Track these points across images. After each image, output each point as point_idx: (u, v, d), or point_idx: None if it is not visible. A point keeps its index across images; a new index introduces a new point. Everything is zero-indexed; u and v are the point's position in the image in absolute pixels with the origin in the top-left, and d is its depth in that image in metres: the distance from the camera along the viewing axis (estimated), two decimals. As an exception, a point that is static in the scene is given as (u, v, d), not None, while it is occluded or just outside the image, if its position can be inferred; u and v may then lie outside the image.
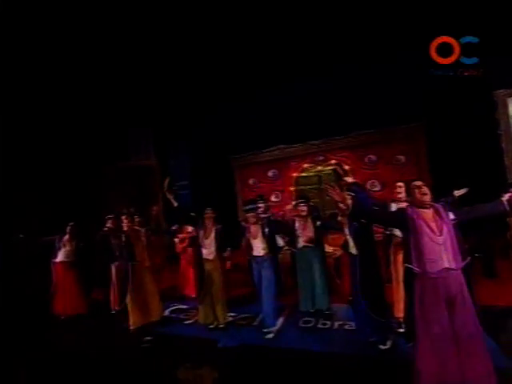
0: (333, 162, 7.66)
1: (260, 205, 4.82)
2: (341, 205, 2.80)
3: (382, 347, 3.00)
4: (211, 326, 3.93)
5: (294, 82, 7.31)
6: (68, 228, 4.90)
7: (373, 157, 7.23)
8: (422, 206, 2.29)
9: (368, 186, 7.28)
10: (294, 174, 8.06)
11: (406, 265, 2.30)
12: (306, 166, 7.95)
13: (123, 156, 8.19)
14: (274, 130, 7.83)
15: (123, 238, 4.16)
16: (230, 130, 8.35)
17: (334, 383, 2.69)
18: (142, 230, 4.29)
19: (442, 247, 2.14)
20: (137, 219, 4.47)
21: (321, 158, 7.75)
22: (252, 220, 3.76)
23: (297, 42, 6.40)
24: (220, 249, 3.94)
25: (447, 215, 2.25)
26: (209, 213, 3.96)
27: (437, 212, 2.27)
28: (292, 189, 8.09)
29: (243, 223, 4.02)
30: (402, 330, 3.02)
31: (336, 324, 3.66)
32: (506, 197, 2.35)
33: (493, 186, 5.10)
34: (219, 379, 3.01)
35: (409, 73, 6.17)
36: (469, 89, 5.64)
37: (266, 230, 3.73)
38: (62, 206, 6.43)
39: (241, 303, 4.52)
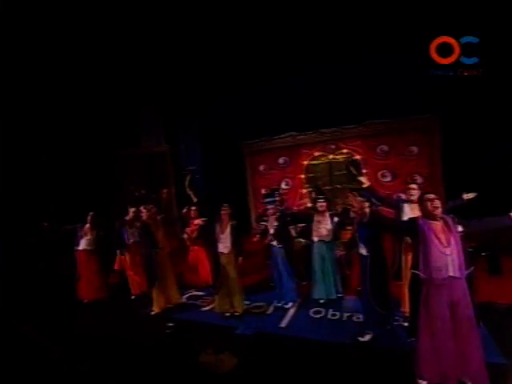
0: (344, 151, 7.76)
1: (276, 198, 5.09)
2: (359, 211, 3.03)
3: (360, 339, 3.37)
4: (227, 314, 4.34)
5: (308, 69, 7.24)
6: (88, 217, 5.26)
7: (385, 147, 7.30)
8: (433, 218, 2.49)
9: (379, 176, 7.42)
10: (305, 162, 8.21)
11: (413, 271, 2.56)
12: (317, 154, 8.06)
13: (135, 142, 8.37)
14: (286, 117, 7.88)
15: (143, 227, 4.51)
16: (242, 116, 8.41)
17: (341, 372, 3.05)
18: (159, 218, 4.62)
19: (448, 257, 2.38)
20: (153, 209, 4.77)
21: (332, 146, 7.84)
22: (271, 212, 4.10)
23: (312, 27, 6.28)
24: (235, 243, 4.25)
25: (456, 228, 2.47)
26: (225, 209, 4.24)
27: (446, 224, 2.48)
28: (302, 176, 8.27)
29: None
30: (407, 324, 3.36)
31: (345, 315, 4.02)
32: None
33: (507, 188, 5.24)
34: (238, 364, 3.42)
35: (427, 61, 6.06)
36: (493, 82, 5.57)
37: (275, 223, 4.07)
38: (77, 193, 6.75)
39: (253, 291, 4.92)
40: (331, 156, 7.89)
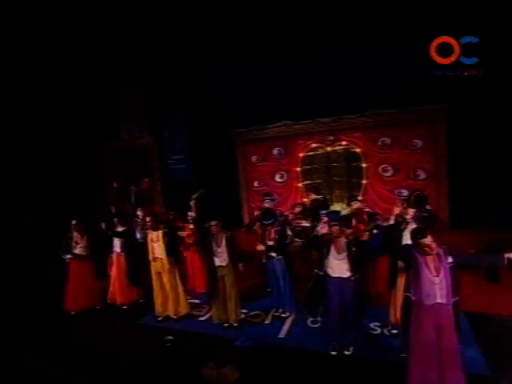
0: (343, 143, 7.83)
1: (270, 203, 5.22)
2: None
3: (346, 353, 3.66)
4: (226, 325, 4.55)
5: (306, 53, 7.12)
6: (72, 225, 5.24)
7: (387, 139, 7.40)
8: (427, 254, 2.79)
9: (380, 170, 7.59)
10: (301, 154, 8.25)
11: (406, 293, 2.98)
12: (314, 145, 8.10)
13: (115, 135, 8.17)
14: (281, 104, 7.80)
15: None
16: (233, 102, 8.27)
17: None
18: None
19: (436, 286, 2.72)
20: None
21: (331, 137, 7.88)
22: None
23: (311, 8, 6.12)
24: (232, 254, 4.39)
25: (446, 258, 2.79)
26: (214, 225, 4.36)
27: (438, 255, 2.79)
28: (298, 169, 8.35)
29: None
30: (394, 331, 3.81)
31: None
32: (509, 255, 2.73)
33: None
34: (240, 378, 3.66)
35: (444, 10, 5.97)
36: (502, 73, 5.68)
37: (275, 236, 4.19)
38: (59, 194, 6.65)
39: (250, 297, 5.11)
40: (329, 148, 7.97)
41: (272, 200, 5.48)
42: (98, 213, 6.65)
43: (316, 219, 5.08)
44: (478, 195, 6.44)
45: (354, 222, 4.72)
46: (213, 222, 4.35)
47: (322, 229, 4.12)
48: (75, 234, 5.25)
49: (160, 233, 4.74)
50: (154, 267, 4.78)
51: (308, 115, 7.85)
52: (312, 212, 5.60)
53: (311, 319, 4.30)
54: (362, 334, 3.79)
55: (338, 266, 3.56)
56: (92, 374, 3.85)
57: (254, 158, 8.89)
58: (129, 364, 3.99)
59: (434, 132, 6.97)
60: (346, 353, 3.68)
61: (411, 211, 3.86)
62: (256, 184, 8.99)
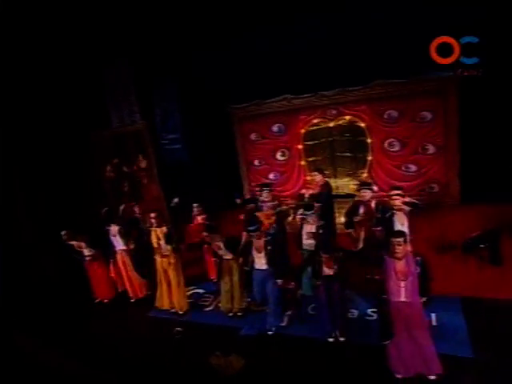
0: (347, 117, 7.91)
1: (265, 194, 5.54)
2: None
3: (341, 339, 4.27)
4: (230, 314, 5.13)
5: (307, 19, 6.96)
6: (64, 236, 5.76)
7: (393, 112, 7.43)
8: (396, 258, 3.40)
9: (386, 145, 7.74)
10: (302, 130, 8.38)
11: (378, 295, 3.67)
12: (316, 121, 8.20)
13: (105, 123, 8.34)
14: (280, 77, 7.77)
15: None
16: (228, 75, 8.26)
17: (338, 370, 3.89)
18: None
19: (402, 289, 3.40)
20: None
21: (333, 111, 7.94)
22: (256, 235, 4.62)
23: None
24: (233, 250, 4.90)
25: (415, 268, 3.47)
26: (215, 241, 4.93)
27: (407, 263, 3.41)
28: (300, 147, 8.53)
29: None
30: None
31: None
32: None
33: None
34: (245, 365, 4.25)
35: (443, 12, 5.94)
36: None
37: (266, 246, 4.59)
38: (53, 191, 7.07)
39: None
40: (332, 124, 8.07)
41: (270, 191, 5.77)
42: (94, 207, 7.08)
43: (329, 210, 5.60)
44: (489, 169, 6.64)
45: (361, 210, 5.07)
46: (216, 240, 4.89)
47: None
48: (72, 242, 5.75)
49: (164, 229, 5.14)
50: (160, 264, 5.24)
51: (309, 88, 7.85)
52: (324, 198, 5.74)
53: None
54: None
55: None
56: (101, 363, 4.49)
57: (253, 136, 9.05)
58: (140, 354, 4.63)
59: (445, 103, 6.97)
60: (341, 339, 4.28)
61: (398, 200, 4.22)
62: (256, 163, 9.24)
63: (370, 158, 7.95)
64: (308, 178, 8.52)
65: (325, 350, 4.21)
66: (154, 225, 5.18)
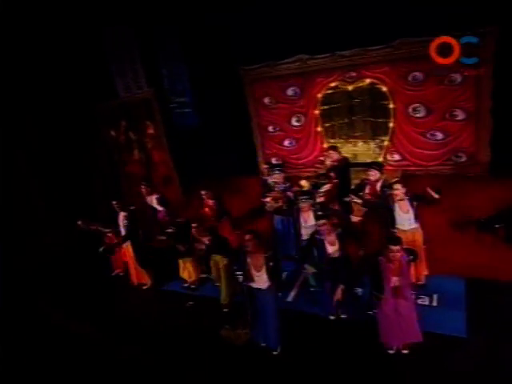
0: (367, 80, 7.90)
1: (277, 175, 5.95)
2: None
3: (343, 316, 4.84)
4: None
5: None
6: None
7: (419, 74, 7.33)
8: (391, 262, 3.88)
9: (410, 111, 7.76)
10: (319, 95, 8.47)
11: (373, 292, 4.11)
12: (333, 84, 8.24)
13: (111, 93, 8.78)
14: (295, 36, 7.78)
15: None
16: (238, 33, 8.32)
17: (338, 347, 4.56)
18: None
19: (396, 283, 3.92)
20: None
21: (353, 74, 7.93)
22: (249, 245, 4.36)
23: None
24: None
25: (408, 266, 3.98)
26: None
27: (400, 264, 3.86)
28: (316, 112, 8.68)
29: None
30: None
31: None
32: None
33: None
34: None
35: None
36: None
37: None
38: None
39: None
40: (350, 87, 8.09)
41: (281, 171, 6.04)
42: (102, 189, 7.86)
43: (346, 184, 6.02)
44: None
45: (367, 190, 5.44)
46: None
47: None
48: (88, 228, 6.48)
49: None
50: None
51: (326, 48, 7.80)
52: (338, 173, 6.10)
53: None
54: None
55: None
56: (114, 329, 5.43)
57: (266, 100, 9.22)
58: (155, 325, 5.53)
59: (478, 63, 6.79)
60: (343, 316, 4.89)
61: (400, 189, 4.54)
62: (270, 129, 9.52)
63: (392, 124, 8.04)
64: (325, 145, 8.78)
65: (326, 326, 4.87)
66: None
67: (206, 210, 6.28)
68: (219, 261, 5.41)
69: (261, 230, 5.75)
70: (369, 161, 8.43)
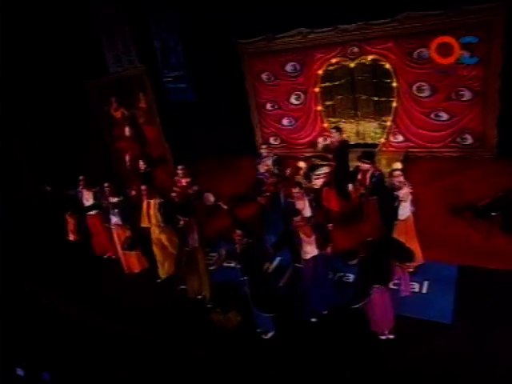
0: (370, 57, 7.95)
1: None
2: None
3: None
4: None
5: None
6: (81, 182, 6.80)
7: (425, 51, 7.33)
8: None
9: (414, 89, 7.85)
10: (320, 71, 8.54)
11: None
12: (334, 60, 8.29)
13: (102, 70, 8.91)
14: (295, 8, 7.77)
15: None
16: (237, 5, 8.28)
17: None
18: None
19: None
20: None
21: (355, 49, 7.98)
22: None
23: None
24: None
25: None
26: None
27: None
28: (317, 90, 8.77)
29: None
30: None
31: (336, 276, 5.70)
32: None
33: None
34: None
35: None
36: None
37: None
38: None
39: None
40: (352, 64, 8.16)
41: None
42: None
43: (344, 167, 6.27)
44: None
45: (358, 177, 5.70)
46: None
47: None
48: (83, 190, 6.80)
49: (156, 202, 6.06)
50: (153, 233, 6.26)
51: (327, 21, 7.83)
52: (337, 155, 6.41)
53: None
54: None
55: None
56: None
57: (264, 76, 9.31)
58: (145, 308, 5.94)
59: (486, 40, 6.85)
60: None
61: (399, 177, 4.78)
62: (269, 106, 9.63)
63: (395, 104, 8.14)
64: (325, 125, 8.93)
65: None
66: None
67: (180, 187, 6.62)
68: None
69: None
70: (370, 142, 8.74)
